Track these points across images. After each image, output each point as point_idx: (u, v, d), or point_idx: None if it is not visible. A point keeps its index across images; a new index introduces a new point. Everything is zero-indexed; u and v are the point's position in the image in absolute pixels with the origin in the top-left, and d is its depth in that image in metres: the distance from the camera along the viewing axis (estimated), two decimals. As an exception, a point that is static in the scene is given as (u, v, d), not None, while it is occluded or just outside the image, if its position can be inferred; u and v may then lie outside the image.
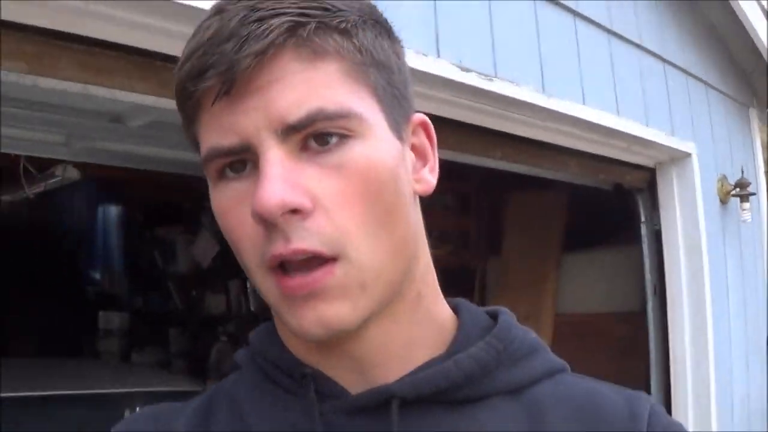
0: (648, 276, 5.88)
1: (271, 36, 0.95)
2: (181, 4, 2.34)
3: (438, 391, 1.07)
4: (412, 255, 1.09)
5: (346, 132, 0.99)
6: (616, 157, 5.19)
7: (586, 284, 6.88)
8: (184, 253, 10.00)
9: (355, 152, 0.99)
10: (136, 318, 10.86)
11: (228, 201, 1.02)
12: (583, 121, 4.32)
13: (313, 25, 0.98)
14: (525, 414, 1.09)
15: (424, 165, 1.14)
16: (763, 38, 6.21)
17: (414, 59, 3.09)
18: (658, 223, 5.75)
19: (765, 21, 6.20)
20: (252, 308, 9.17)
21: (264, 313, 8.91)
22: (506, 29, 3.72)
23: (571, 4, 4.33)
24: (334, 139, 0.98)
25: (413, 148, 1.13)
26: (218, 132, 1.00)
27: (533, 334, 1.18)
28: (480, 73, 3.45)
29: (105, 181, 7.59)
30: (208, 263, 9.53)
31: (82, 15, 2.34)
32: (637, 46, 5.08)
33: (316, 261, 0.98)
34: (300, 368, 1.12)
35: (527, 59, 3.91)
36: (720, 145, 6.25)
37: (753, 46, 6.24)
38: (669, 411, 5.48)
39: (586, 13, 4.48)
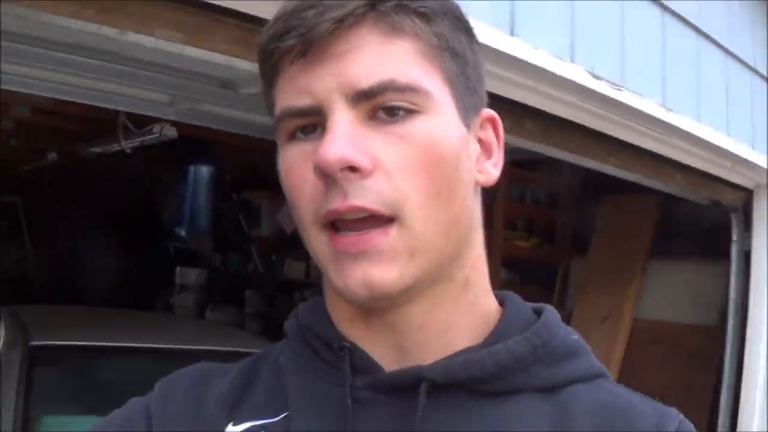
0: (732, 294, 5.87)
1: (351, 6, 0.99)
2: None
3: (469, 380, 1.08)
4: (465, 239, 1.11)
5: (413, 107, 1.01)
6: (719, 175, 5.23)
7: (669, 293, 6.86)
8: (268, 218, 10.10)
9: (421, 125, 1.02)
10: (214, 276, 11.04)
11: (294, 160, 1.05)
12: (696, 138, 4.40)
13: (394, 2, 1.01)
14: (553, 414, 1.09)
15: (489, 159, 1.16)
16: None
17: (550, 62, 3.23)
18: (749, 245, 5.76)
19: None
20: None
21: None
22: (635, 41, 3.82)
23: (697, 23, 4.41)
24: (401, 112, 1.01)
25: (480, 140, 1.15)
26: (293, 93, 1.03)
27: (575, 336, 1.18)
28: (610, 82, 3.55)
29: (198, 141, 7.68)
30: (292, 229, 9.29)
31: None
32: (750, 68, 5.13)
33: (371, 222, 1.00)
34: (339, 341, 1.14)
35: (652, 73, 4.00)
36: None
37: None
38: (734, 421, 5.61)
39: (708, 32, 4.55)
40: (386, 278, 1.01)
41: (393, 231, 1.01)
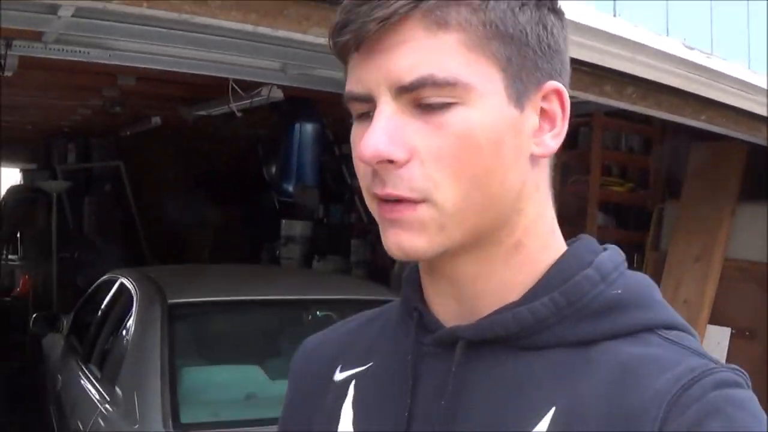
0: None
1: (396, 5, 1.03)
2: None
3: (497, 338, 1.15)
4: (510, 209, 1.14)
5: (450, 100, 1.06)
6: None
7: (757, 234, 6.96)
8: None
9: (458, 116, 1.06)
10: (318, 227, 11.40)
11: (355, 138, 1.12)
12: None
13: None
14: (576, 366, 1.12)
15: (551, 129, 1.17)
16: None
17: (648, 37, 3.55)
18: None
19: None
20: None
21: None
22: (722, 12, 4.08)
23: None
24: (439, 105, 1.06)
25: (543, 112, 1.16)
26: (353, 81, 1.11)
27: (616, 291, 1.16)
28: (700, 51, 3.85)
29: (301, 100, 7.92)
30: None
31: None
32: None
33: (405, 201, 1.08)
34: (413, 303, 1.24)
35: (737, 38, 4.25)
36: None
37: None
38: None
39: None
40: (415, 245, 1.09)
41: (422, 207, 1.08)
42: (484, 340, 1.15)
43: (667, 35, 3.68)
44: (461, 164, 1.07)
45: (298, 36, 2.94)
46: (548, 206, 1.21)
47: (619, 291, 1.16)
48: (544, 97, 1.15)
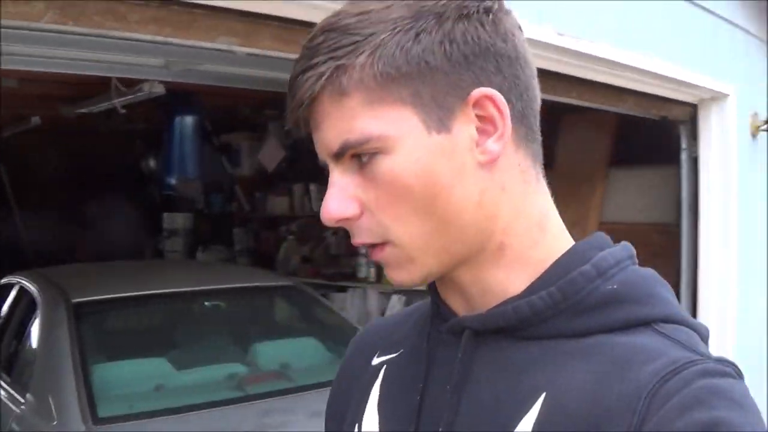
0: (684, 195, 6.48)
1: (305, 91, 1.13)
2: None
3: (499, 328, 1.21)
4: (477, 219, 1.19)
5: (372, 150, 1.14)
6: (666, 96, 5.79)
7: (629, 197, 7.37)
8: (249, 158, 10.51)
9: (382, 166, 1.14)
10: (200, 218, 11.49)
11: None
12: (644, 70, 4.95)
13: (333, 71, 1.12)
14: (569, 357, 1.16)
15: (492, 135, 1.18)
16: None
17: (524, 26, 3.78)
18: (696, 151, 6.34)
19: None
20: (315, 208, 9.46)
21: None
22: None
23: None
24: (365, 158, 1.15)
25: (481, 119, 1.17)
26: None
27: (612, 287, 1.19)
28: (571, 36, 4.11)
29: (181, 93, 7.92)
30: (273, 167, 10.06)
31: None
32: (691, 1, 5.61)
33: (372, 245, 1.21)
34: (434, 297, 1.34)
35: (604, 23, 4.53)
36: (755, 85, 6.73)
37: None
38: (694, 314, 6.06)
39: None
40: (401, 278, 1.22)
41: (387, 248, 1.19)
42: (488, 330, 1.22)
43: (539, 23, 3.92)
44: (399, 206, 1.15)
45: (207, 44, 3.09)
46: (528, 202, 1.24)
47: (615, 286, 1.20)
48: (477, 105, 1.17)
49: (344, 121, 1.13)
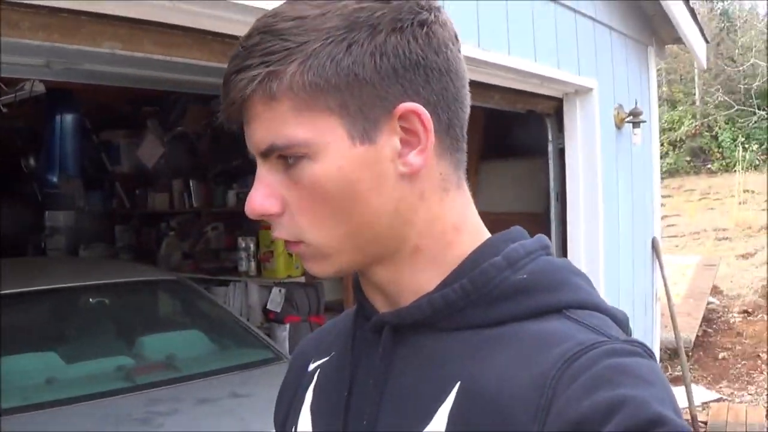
0: (552, 185, 6.82)
1: (239, 91, 1.15)
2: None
3: (416, 322, 1.24)
4: (394, 224, 1.22)
5: (298, 154, 1.16)
6: (532, 91, 6.06)
7: (501, 188, 7.62)
8: (128, 155, 10.44)
9: (307, 171, 1.17)
10: (82, 216, 11.37)
11: None
12: (508, 68, 5.20)
13: (265, 75, 1.14)
14: (483, 346, 1.18)
15: (415, 147, 1.20)
16: None
17: None
18: (562, 143, 6.65)
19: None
20: (195, 204, 9.71)
21: (204, 208, 9.55)
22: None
23: None
24: (291, 160, 1.17)
25: (405, 131, 1.19)
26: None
27: (521, 276, 1.21)
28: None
29: (60, 92, 7.92)
30: (152, 164, 10.01)
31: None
32: (554, 0, 5.91)
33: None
34: (359, 297, 1.37)
35: (468, 23, 4.73)
36: (619, 80, 7.11)
37: None
38: None
39: None
40: (315, 270, 1.26)
41: (302, 246, 1.23)
42: (405, 324, 1.25)
43: None
44: (317, 210, 1.19)
45: (91, 50, 3.20)
46: (446, 207, 1.26)
47: (525, 276, 1.22)
48: (402, 118, 1.18)
49: (273, 124, 1.15)
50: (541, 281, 1.22)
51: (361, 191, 1.18)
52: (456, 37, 1.25)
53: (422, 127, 1.19)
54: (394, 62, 1.16)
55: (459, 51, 1.25)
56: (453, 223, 1.27)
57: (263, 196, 1.20)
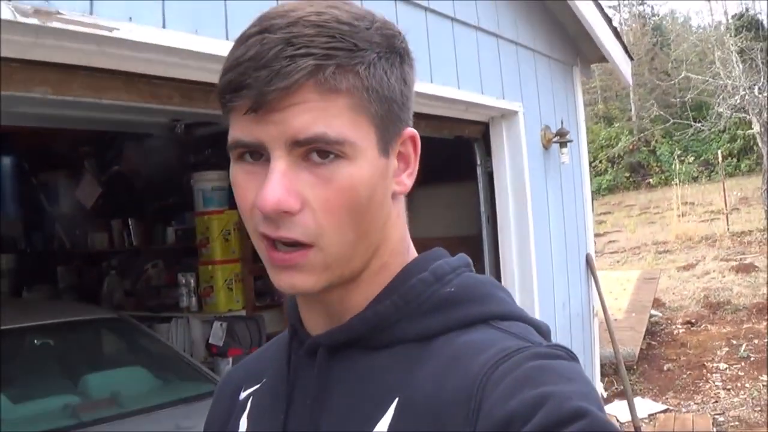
0: (482, 208, 6.89)
1: (296, 75, 1.11)
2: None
3: (349, 340, 1.27)
4: (379, 241, 1.27)
5: (340, 153, 1.15)
6: (457, 117, 6.15)
7: (434, 214, 7.62)
8: (67, 196, 10.38)
9: (344, 171, 1.16)
10: (23, 258, 11.20)
11: (243, 179, 1.21)
12: (431, 95, 5.26)
13: (333, 68, 1.14)
14: (417, 359, 1.22)
15: (406, 170, 1.30)
16: (584, 9, 7.24)
17: None
18: (491, 166, 6.74)
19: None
20: (134, 242, 9.65)
21: (143, 246, 9.57)
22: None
23: (422, 2, 5.25)
24: (331, 156, 1.15)
25: (400, 155, 1.28)
26: (243, 132, 1.18)
27: (449, 290, 1.27)
28: None
29: None
30: (91, 204, 9.98)
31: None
32: (476, 27, 6.01)
33: (297, 245, 1.18)
34: (292, 320, 1.39)
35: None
36: (544, 101, 7.22)
37: (575, 14, 7.24)
38: None
39: (434, 7, 5.37)
40: (305, 284, 1.21)
41: (311, 253, 1.18)
42: (339, 344, 1.28)
43: None
44: (344, 212, 1.18)
45: (23, 94, 3.23)
46: (406, 228, 1.36)
47: (453, 289, 1.28)
48: (402, 142, 1.28)
49: (325, 115, 1.14)
50: (468, 294, 1.27)
51: (375, 201, 1.22)
52: None
53: (413, 153, 1.30)
54: (407, 92, 1.27)
55: None
56: (408, 243, 1.36)
57: (285, 189, 1.15)
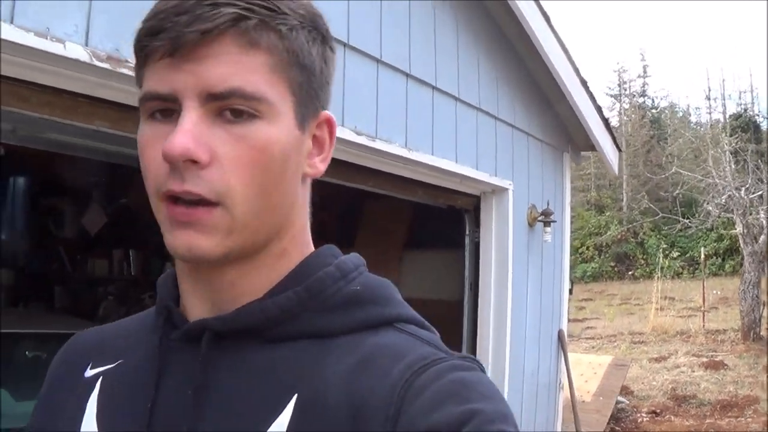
0: (466, 275, 7.14)
1: (218, 21, 1.07)
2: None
3: (244, 328, 1.18)
4: (284, 220, 1.21)
5: (255, 112, 1.11)
6: (453, 188, 6.45)
7: (421, 276, 8.00)
8: (72, 221, 10.66)
9: (259, 130, 1.11)
10: (22, 276, 11.17)
11: (150, 137, 1.13)
12: (431, 166, 5.60)
13: (255, 21, 1.10)
14: (317, 356, 1.16)
15: (320, 154, 1.25)
16: (577, 99, 7.53)
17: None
18: (478, 237, 7.04)
19: (580, 87, 7.53)
20: (133, 272, 9.95)
21: (142, 276, 9.81)
22: (386, 104, 4.95)
23: (430, 81, 5.61)
24: (245, 116, 1.10)
25: (315, 138, 1.23)
26: (156, 81, 1.11)
27: (355, 288, 1.23)
28: (368, 135, 4.72)
29: (13, 155, 7.71)
30: (95, 232, 10.29)
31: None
32: (476, 108, 6.35)
33: (201, 203, 1.11)
34: (163, 302, 1.29)
35: (397, 125, 5.13)
36: (534, 182, 7.51)
37: (569, 104, 7.55)
38: None
39: (440, 86, 5.74)
40: (204, 246, 1.12)
41: (217, 212, 1.11)
42: (231, 331, 1.19)
43: (342, 125, 4.46)
44: (255, 173, 1.12)
45: (86, 126, 3.49)
46: (308, 219, 1.29)
47: (358, 287, 1.23)
48: (318, 125, 1.23)
49: (243, 69, 1.10)
50: (373, 294, 1.25)
51: (288, 171, 1.18)
52: None
53: (329, 139, 1.28)
54: (326, 73, 1.24)
55: None
56: (308, 235, 1.31)
57: (194, 138, 1.09)
